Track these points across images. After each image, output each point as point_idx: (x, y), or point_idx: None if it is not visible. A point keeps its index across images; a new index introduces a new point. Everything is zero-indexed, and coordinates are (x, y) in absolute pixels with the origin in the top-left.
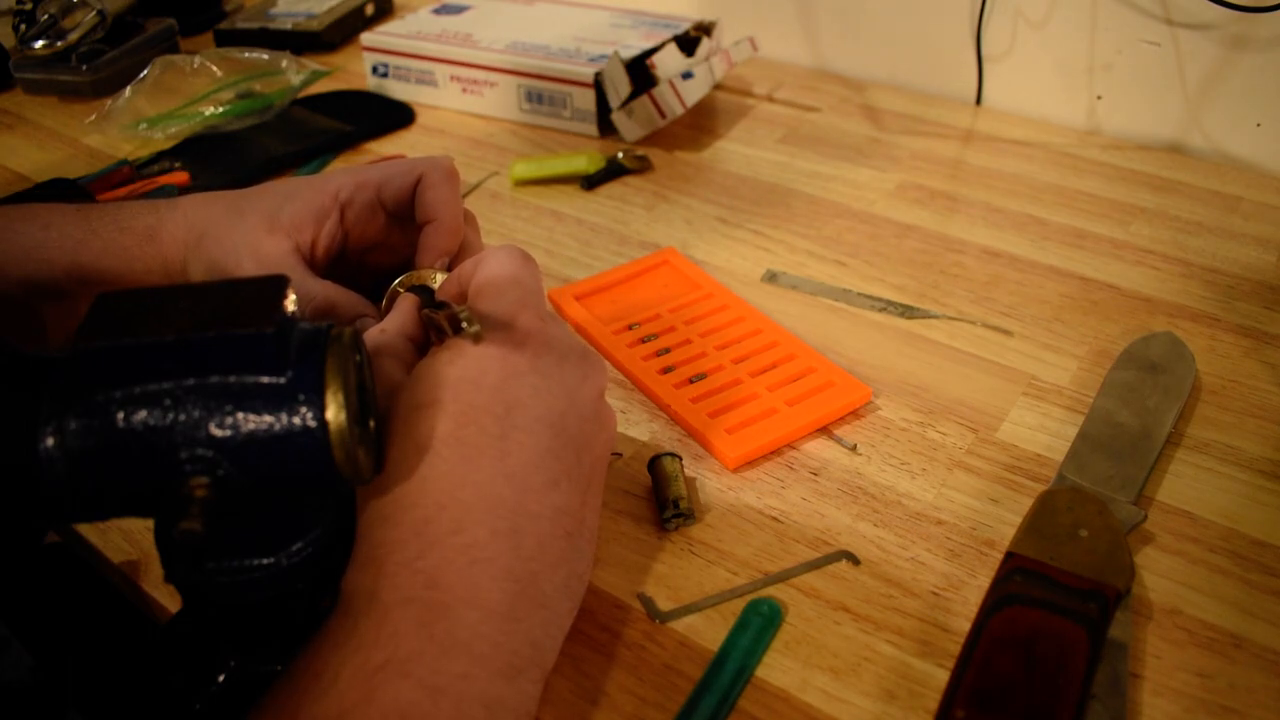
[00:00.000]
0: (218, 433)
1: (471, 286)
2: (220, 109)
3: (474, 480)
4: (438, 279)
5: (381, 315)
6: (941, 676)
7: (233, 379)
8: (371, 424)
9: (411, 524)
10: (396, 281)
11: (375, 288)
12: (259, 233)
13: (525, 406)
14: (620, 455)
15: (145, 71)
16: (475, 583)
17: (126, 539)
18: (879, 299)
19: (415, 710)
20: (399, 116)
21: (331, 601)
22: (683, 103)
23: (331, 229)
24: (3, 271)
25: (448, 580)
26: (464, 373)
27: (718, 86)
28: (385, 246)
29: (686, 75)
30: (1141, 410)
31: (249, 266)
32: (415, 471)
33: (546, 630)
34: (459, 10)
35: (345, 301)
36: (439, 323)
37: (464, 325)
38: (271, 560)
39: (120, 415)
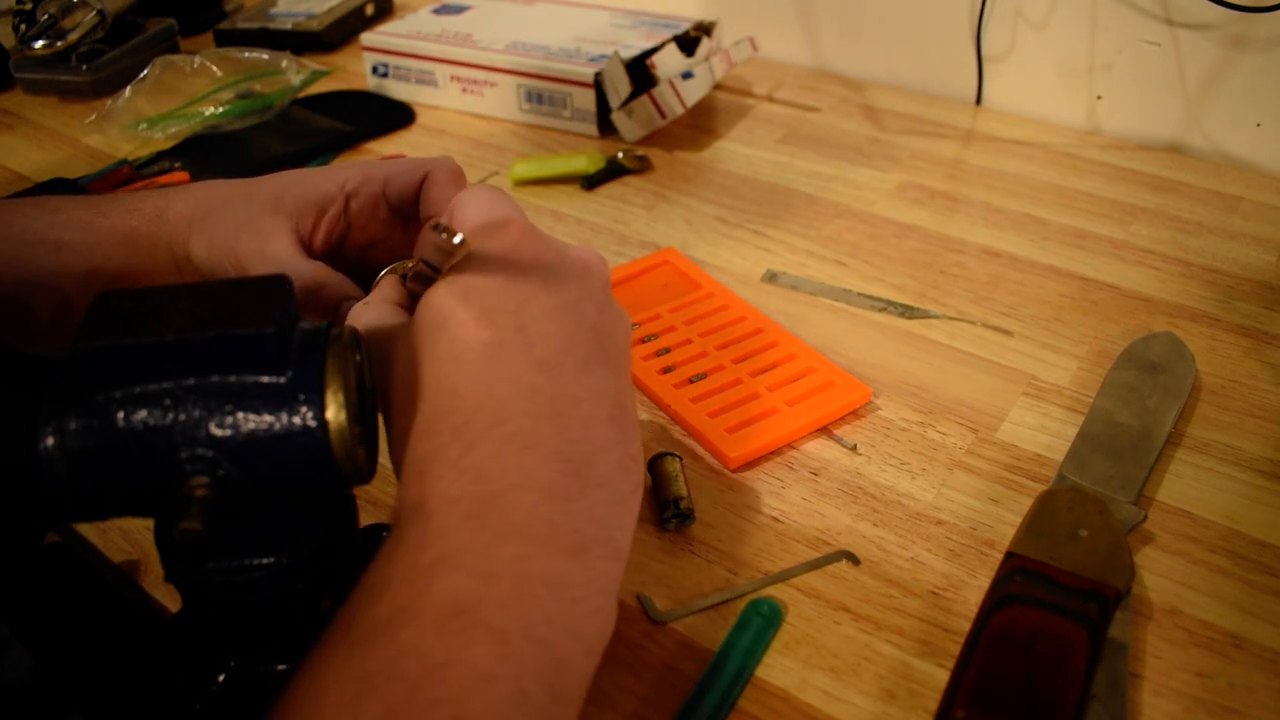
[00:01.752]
0: (218, 432)
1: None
2: (220, 109)
3: (506, 375)
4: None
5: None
6: (941, 676)
7: (233, 379)
8: (371, 424)
9: (451, 429)
10: (386, 269)
11: (369, 284)
12: (262, 213)
13: (537, 298)
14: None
15: (145, 71)
16: (524, 467)
17: (126, 539)
18: (879, 299)
19: (471, 596)
20: (399, 116)
21: (332, 602)
22: (683, 103)
23: (334, 217)
24: (11, 255)
25: (496, 470)
26: (468, 284)
27: (718, 86)
28: (386, 245)
29: (686, 75)
30: (1141, 410)
31: (246, 243)
32: (444, 385)
33: (609, 509)
34: (459, 10)
35: (333, 282)
36: (420, 270)
37: (444, 236)
38: (271, 560)
39: (120, 415)
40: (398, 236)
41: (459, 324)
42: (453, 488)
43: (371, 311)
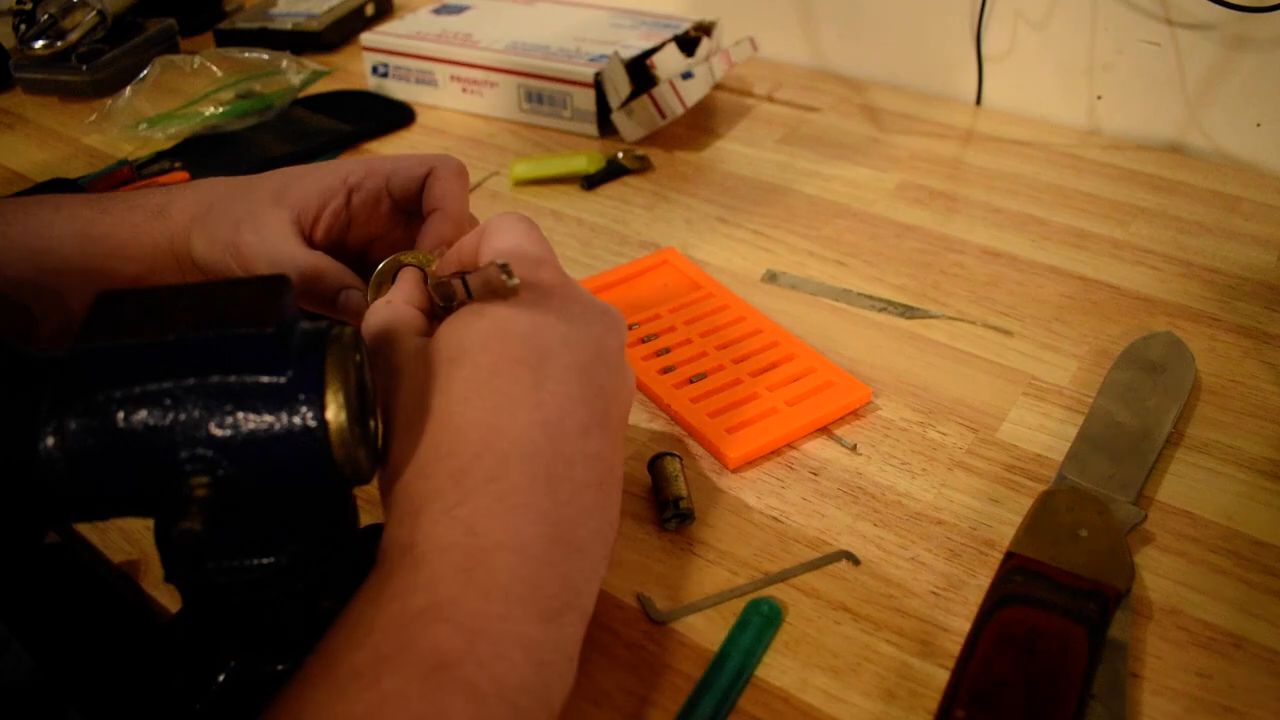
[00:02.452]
0: (218, 432)
1: (484, 256)
2: (220, 109)
3: (510, 428)
4: (431, 261)
5: (368, 292)
6: (941, 676)
7: (233, 379)
8: (372, 424)
9: (448, 474)
10: (387, 260)
11: (370, 277)
12: (263, 205)
13: (556, 356)
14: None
15: (145, 71)
16: (513, 527)
17: (126, 539)
18: (879, 299)
19: (454, 652)
20: (399, 116)
21: (332, 602)
22: (683, 103)
23: (336, 210)
24: (12, 252)
25: (485, 526)
26: (492, 326)
27: (718, 86)
28: (388, 240)
29: (686, 75)
30: (1141, 410)
31: (246, 234)
32: (450, 423)
33: (583, 575)
34: (459, 10)
35: (333, 271)
36: (454, 289)
37: (504, 278)
38: (271, 560)
39: (120, 415)
40: (399, 231)
41: (475, 366)
42: (445, 536)
43: (392, 312)
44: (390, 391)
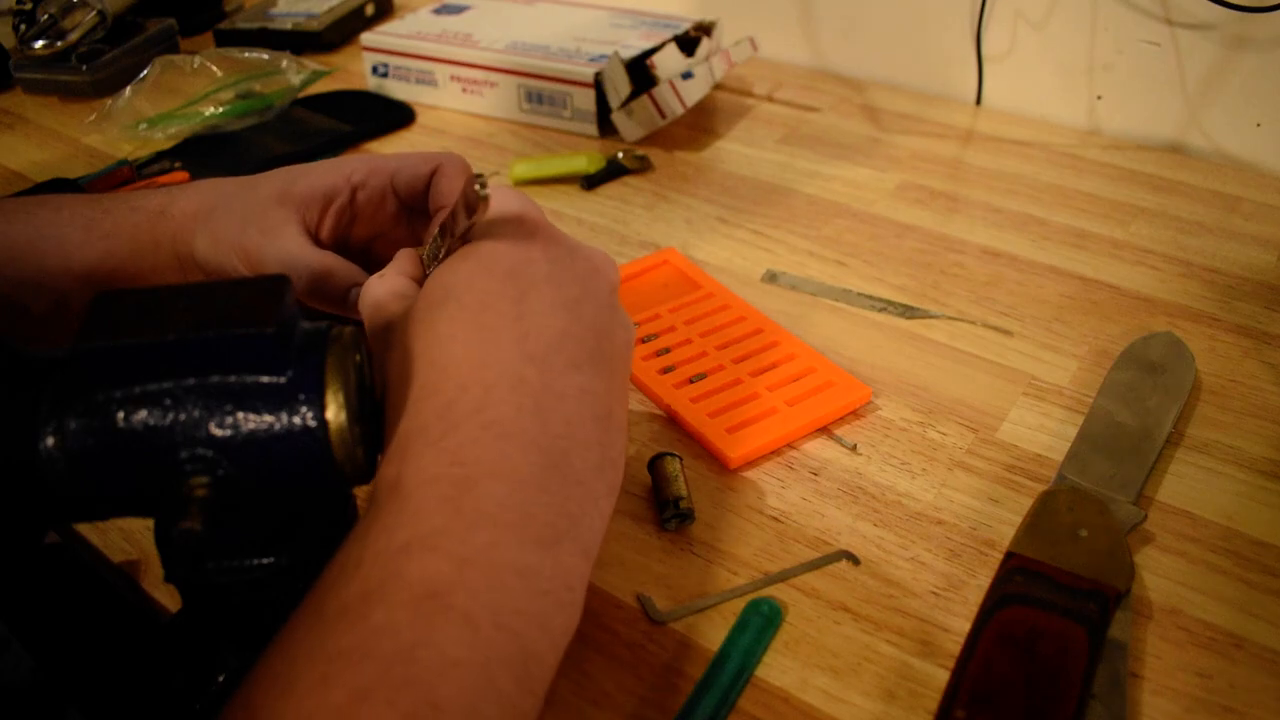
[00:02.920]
0: (218, 432)
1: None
2: (220, 109)
3: (495, 361)
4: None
5: None
6: (941, 676)
7: (233, 379)
8: (371, 424)
9: (434, 409)
10: (398, 255)
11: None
12: (268, 206)
13: (540, 291)
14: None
15: (145, 71)
16: (501, 454)
17: (126, 539)
18: (879, 299)
19: (443, 581)
20: (399, 116)
21: None
22: (683, 103)
23: (340, 209)
24: (13, 251)
25: (472, 455)
26: (475, 265)
27: (718, 86)
28: (392, 238)
29: (686, 75)
30: (1141, 410)
31: (253, 236)
32: (436, 361)
33: (583, 506)
34: (459, 10)
35: (342, 269)
36: (437, 242)
37: (476, 188)
38: (271, 560)
39: (120, 415)
40: (403, 230)
41: (458, 305)
42: (430, 468)
43: (386, 284)
44: (385, 354)
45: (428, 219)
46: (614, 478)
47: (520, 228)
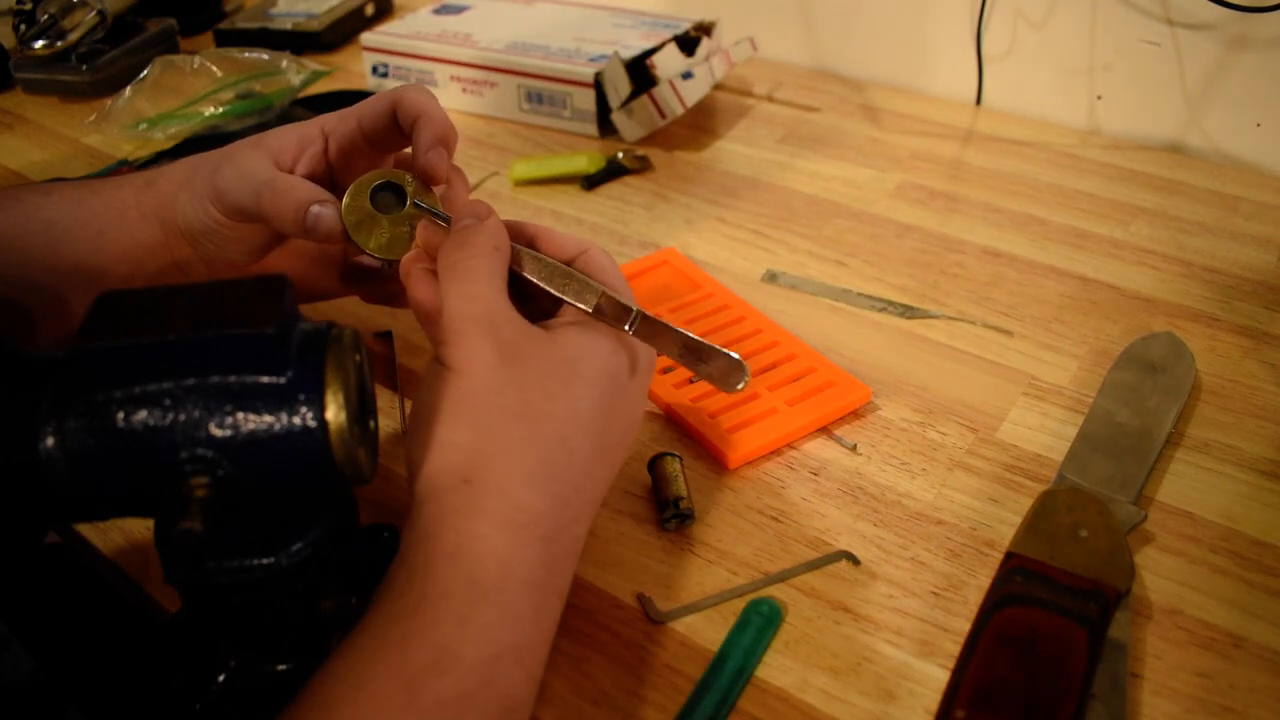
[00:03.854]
0: (218, 433)
1: (589, 269)
2: (220, 109)
3: (537, 450)
4: (408, 180)
5: (342, 207)
6: (941, 676)
7: (233, 379)
8: (371, 424)
9: (554, 496)
10: (361, 179)
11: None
12: (240, 148)
13: (591, 395)
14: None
15: (145, 71)
16: (509, 561)
17: (126, 539)
18: (879, 299)
19: (518, 698)
20: None
21: (333, 602)
22: (683, 103)
23: (314, 157)
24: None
25: (486, 550)
26: (560, 351)
27: (718, 86)
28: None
29: (686, 75)
30: (1141, 410)
31: (225, 171)
32: (493, 413)
33: (554, 603)
34: (459, 10)
35: (304, 186)
36: (702, 353)
37: (738, 379)
38: (271, 560)
39: (120, 415)
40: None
41: (544, 365)
42: (537, 571)
43: (486, 306)
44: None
45: (393, 152)
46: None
47: (630, 357)
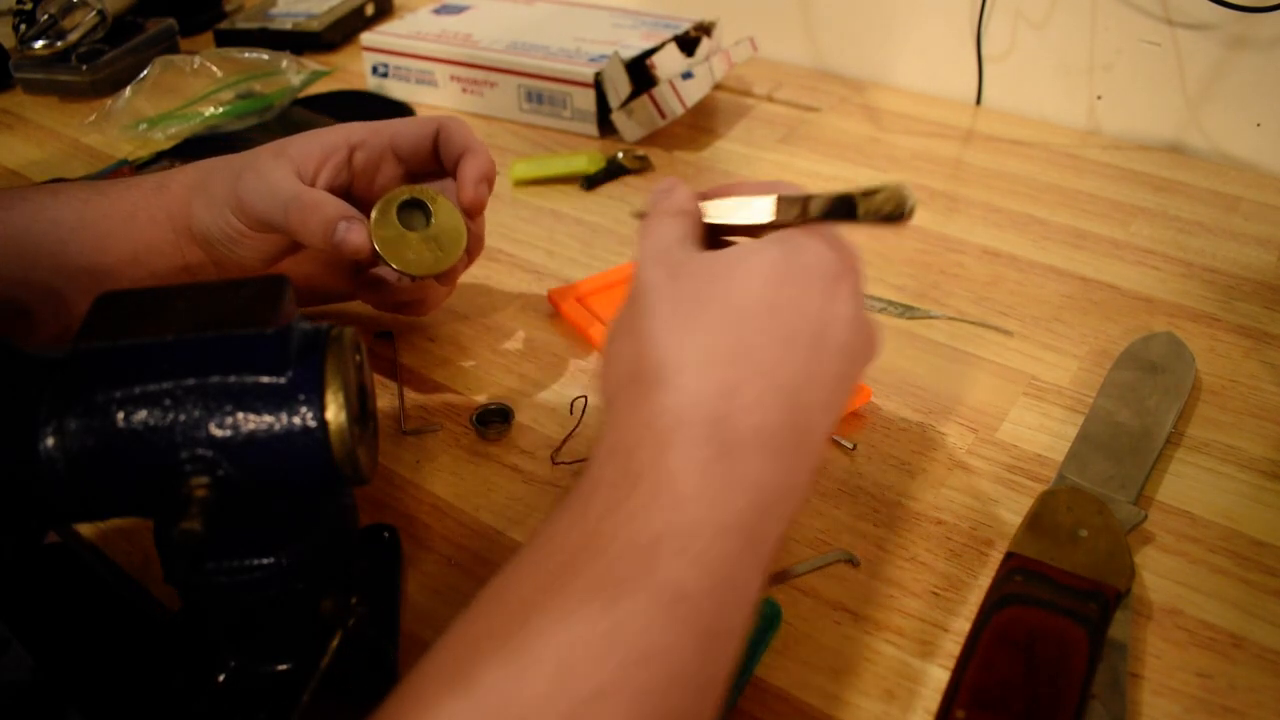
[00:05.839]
0: (218, 433)
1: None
2: (220, 109)
3: (785, 368)
4: (431, 196)
5: (369, 224)
6: (941, 676)
7: (233, 379)
8: (371, 424)
9: (718, 386)
10: (390, 194)
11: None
12: (263, 156)
13: (836, 328)
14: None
15: (145, 71)
16: (760, 475)
17: (126, 539)
18: (879, 299)
19: (692, 589)
20: (399, 116)
21: (333, 602)
22: (683, 103)
23: (337, 166)
24: (9, 238)
25: (741, 460)
26: (797, 261)
27: (718, 86)
28: None
29: (686, 75)
30: (1141, 410)
31: (248, 180)
32: (733, 327)
33: (787, 528)
34: (459, 10)
35: (331, 202)
36: (822, 202)
37: (906, 197)
38: (271, 560)
39: (120, 415)
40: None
41: (769, 290)
42: (699, 452)
43: (679, 223)
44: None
45: (430, 178)
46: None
47: (843, 255)
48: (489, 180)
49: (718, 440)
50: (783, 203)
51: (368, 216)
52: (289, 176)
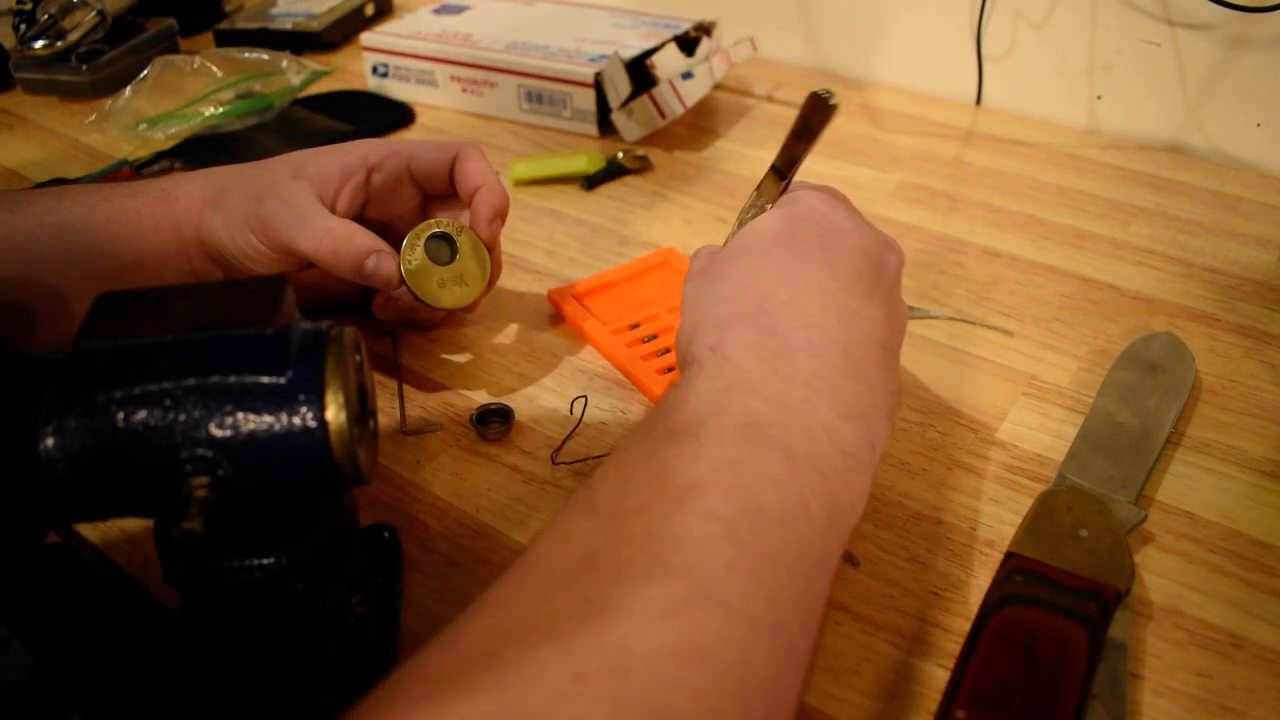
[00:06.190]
0: (218, 433)
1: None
2: (220, 109)
3: (805, 274)
4: (460, 229)
5: (398, 259)
6: (941, 676)
7: (232, 379)
8: (371, 424)
9: (752, 299)
10: (418, 228)
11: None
12: (283, 178)
13: (845, 235)
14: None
15: (145, 71)
16: (809, 339)
17: (126, 539)
18: None
19: (763, 417)
20: (399, 116)
21: (334, 602)
22: (683, 103)
23: (355, 188)
24: (14, 240)
25: (786, 333)
26: (791, 210)
27: (718, 86)
28: (407, 219)
29: (686, 75)
30: (1141, 410)
31: (270, 204)
32: (751, 267)
33: (874, 408)
34: (459, 10)
35: (363, 235)
36: (768, 181)
37: (826, 97)
38: (271, 560)
39: (120, 415)
40: (417, 211)
41: (774, 231)
42: (748, 336)
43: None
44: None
45: (445, 203)
46: (892, 405)
47: (830, 194)
48: (502, 216)
49: (763, 327)
50: (763, 182)
51: (379, 233)
52: (314, 204)
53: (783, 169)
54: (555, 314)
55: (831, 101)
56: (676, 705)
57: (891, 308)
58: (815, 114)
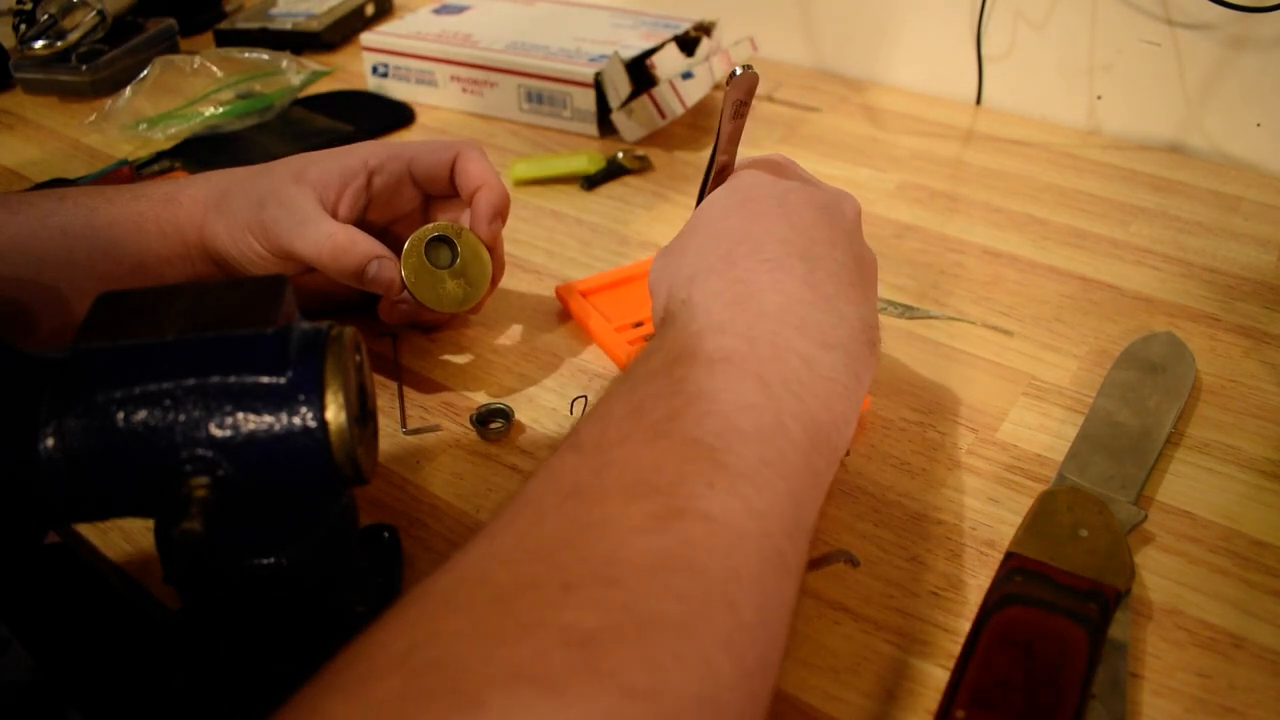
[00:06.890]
0: (218, 433)
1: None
2: (220, 109)
3: (764, 226)
4: (460, 231)
5: (400, 264)
6: (941, 676)
7: (232, 379)
8: (371, 424)
9: (717, 254)
10: (418, 232)
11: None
12: (285, 183)
13: (796, 190)
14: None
15: (145, 71)
16: (776, 280)
17: (126, 539)
18: (879, 299)
19: (735, 353)
20: (399, 116)
21: (334, 602)
22: (683, 103)
23: (357, 191)
24: (16, 241)
25: (753, 278)
26: (741, 178)
27: (718, 86)
28: (409, 221)
29: (686, 75)
30: (1141, 410)
31: (272, 209)
32: (714, 230)
33: (853, 335)
34: (459, 10)
35: (364, 242)
36: (710, 158)
37: (739, 70)
38: (271, 560)
39: (120, 415)
40: (418, 212)
41: (729, 195)
42: (716, 284)
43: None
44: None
45: (447, 203)
46: (873, 337)
47: (775, 160)
48: (503, 215)
49: (730, 276)
50: (712, 160)
51: (380, 236)
52: (315, 209)
53: (726, 150)
54: (557, 313)
55: (752, 71)
56: (665, 609)
57: (855, 251)
58: (739, 91)
